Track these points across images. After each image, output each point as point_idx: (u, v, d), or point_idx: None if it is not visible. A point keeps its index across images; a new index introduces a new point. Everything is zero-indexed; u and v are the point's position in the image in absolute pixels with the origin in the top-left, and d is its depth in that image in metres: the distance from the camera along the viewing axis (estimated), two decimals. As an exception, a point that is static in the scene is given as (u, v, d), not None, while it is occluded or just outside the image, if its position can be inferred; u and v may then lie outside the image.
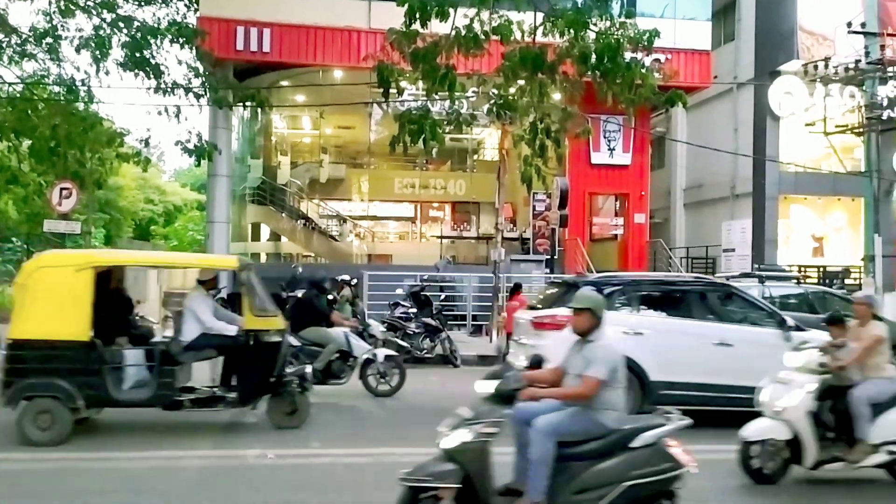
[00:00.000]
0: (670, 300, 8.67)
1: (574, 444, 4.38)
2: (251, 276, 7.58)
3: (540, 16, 10.18)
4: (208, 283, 7.99)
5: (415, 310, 13.49)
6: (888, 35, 18.66)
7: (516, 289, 13.24)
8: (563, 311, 7.84)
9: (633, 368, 7.45)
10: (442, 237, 25.22)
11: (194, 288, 7.91)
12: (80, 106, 16.08)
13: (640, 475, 4.23)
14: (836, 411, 6.12)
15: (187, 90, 15.67)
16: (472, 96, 12.42)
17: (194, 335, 7.38)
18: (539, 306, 8.94)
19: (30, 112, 15.42)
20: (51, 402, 6.54)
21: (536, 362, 4.93)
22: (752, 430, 6.01)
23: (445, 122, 11.59)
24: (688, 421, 4.48)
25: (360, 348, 9.46)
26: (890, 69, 18.16)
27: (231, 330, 7.40)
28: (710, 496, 5.61)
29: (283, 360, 7.42)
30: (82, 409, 6.75)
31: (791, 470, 6.01)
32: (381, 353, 9.80)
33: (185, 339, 7.39)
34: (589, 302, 4.69)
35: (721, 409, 7.79)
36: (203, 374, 8.07)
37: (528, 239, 21.56)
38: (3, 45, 16.63)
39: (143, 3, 17.71)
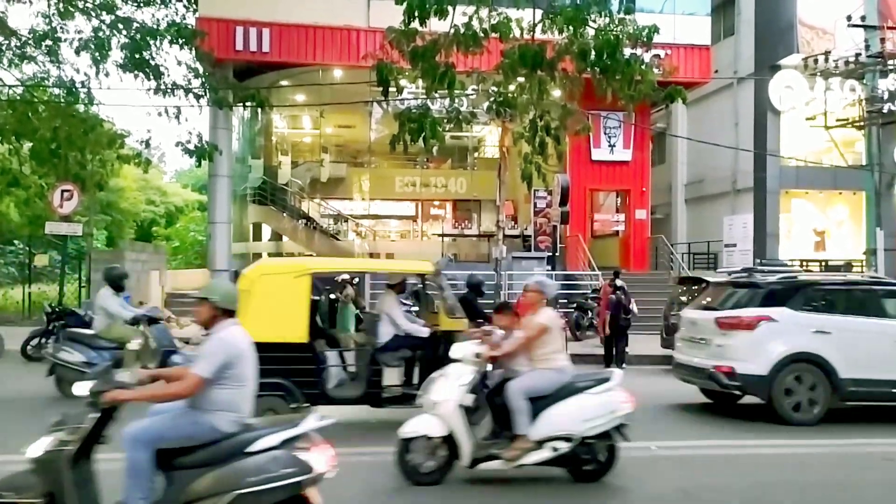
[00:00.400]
0: (850, 300, 8.92)
1: (184, 451, 3.95)
2: (444, 280, 8.14)
3: (539, 13, 10.18)
4: (397, 286, 8.44)
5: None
6: (888, 28, 18.61)
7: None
8: (750, 312, 8.42)
9: (823, 366, 8.17)
10: (443, 235, 25.20)
11: (386, 292, 8.33)
12: (81, 108, 16.12)
13: (255, 482, 3.80)
14: (497, 405, 5.79)
15: (187, 91, 15.70)
16: (472, 94, 12.40)
17: (389, 337, 7.82)
18: (714, 306, 9.14)
19: (30, 114, 15.45)
20: (275, 399, 6.93)
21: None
22: (409, 426, 5.68)
23: (445, 121, 11.58)
24: (325, 422, 4.12)
25: None
26: (890, 62, 18.11)
27: (424, 332, 7.85)
28: (354, 499, 5.30)
29: None
30: (301, 408, 7.13)
31: (456, 468, 5.69)
32: None
33: (381, 340, 7.82)
34: (208, 292, 4.26)
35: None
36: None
37: (530, 236, 21.56)
38: (3, 47, 16.66)
39: (142, 5, 17.75)
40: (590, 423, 5.66)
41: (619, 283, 12.84)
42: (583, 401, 5.75)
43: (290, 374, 7.02)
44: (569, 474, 5.86)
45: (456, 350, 5.88)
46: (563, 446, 5.65)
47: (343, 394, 7.52)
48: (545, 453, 5.64)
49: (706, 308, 9.31)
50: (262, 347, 6.69)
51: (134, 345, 8.54)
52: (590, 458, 5.80)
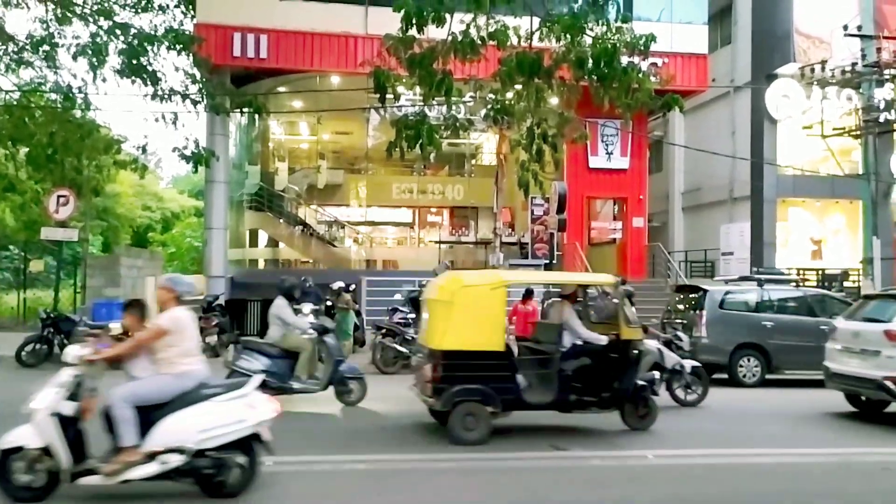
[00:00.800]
0: None
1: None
2: (625, 291, 8.50)
3: (536, 21, 10.20)
4: (571, 296, 8.69)
5: (413, 315, 13.45)
6: (884, 38, 18.70)
7: (528, 294, 13.22)
8: None
9: None
10: (440, 242, 25.17)
11: (561, 302, 8.61)
12: (78, 113, 16.11)
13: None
14: (106, 415, 5.23)
15: (184, 97, 15.71)
16: (469, 101, 12.43)
17: (570, 345, 8.13)
18: (882, 318, 9.28)
19: (27, 119, 15.45)
20: (475, 405, 7.37)
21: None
22: (10, 436, 5.06)
23: (442, 128, 11.59)
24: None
25: (671, 359, 9.86)
26: (886, 72, 18.19)
27: (602, 340, 8.12)
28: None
29: (644, 367, 8.36)
30: (499, 413, 7.51)
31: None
32: (689, 364, 10.06)
33: (564, 348, 8.11)
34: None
35: None
36: None
37: (527, 243, 21.54)
38: (1, 52, 16.64)
39: (139, 11, 17.77)
40: (207, 433, 5.18)
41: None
42: (204, 409, 5.28)
43: (488, 380, 7.42)
44: (199, 487, 5.33)
45: (66, 353, 5.42)
46: (175, 459, 5.13)
47: (535, 399, 7.81)
48: (153, 467, 5.11)
49: (870, 320, 9.47)
50: (462, 355, 7.47)
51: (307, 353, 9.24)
52: (215, 473, 5.25)
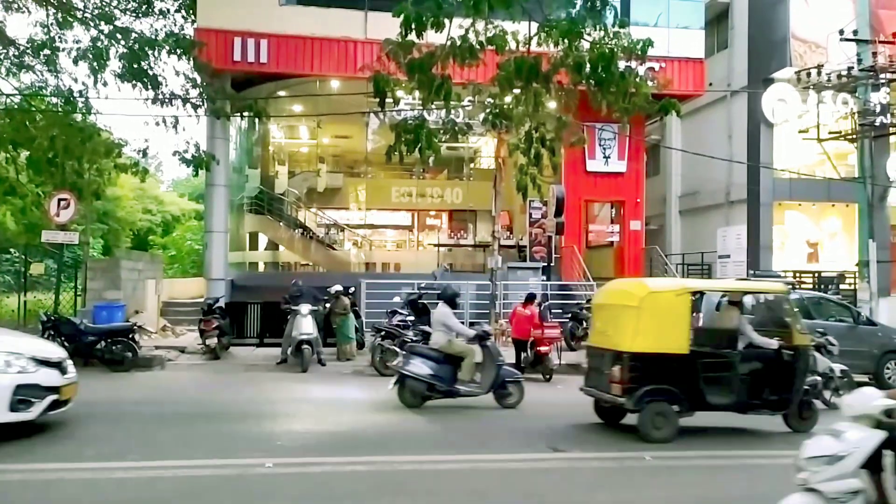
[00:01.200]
0: None
1: None
2: (797, 299, 8.97)
3: (534, 26, 10.29)
4: (739, 303, 9.11)
5: (412, 318, 13.54)
6: (880, 42, 18.83)
7: (530, 298, 13.29)
8: None
9: None
10: (439, 245, 25.27)
11: (730, 308, 9.06)
12: (78, 117, 16.18)
13: None
14: None
15: (185, 101, 15.77)
16: (468, 106, 12.50)
17: (742, 349, 8.50)
18: None
19: (28, 123, 15.49)
20: (664, 405, 7.83)
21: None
22: None
23: (441, 132, 11.67)
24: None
25: (823, 364, 10.07)
26: (882, 76, 18.32)
27: (773, 344, 8.44)
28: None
29: (809, 372, 8.73)
30: (684, 412, 7.93)
31: None
32: (838, 368, 10.29)
33: (739, 352, 8.46)
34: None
35: None
36: None
37: (525, 246, 21.63)
38: (2, 56, 16.73)
39: (140, 15, 17.85)
40: None
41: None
42: None
43: (674, 381, 7.84)
44: None
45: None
46: None
47: (716, 401, 8.13)
48: None
49: None
50: (651, 358, 7.89)
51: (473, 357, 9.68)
52: None
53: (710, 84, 21.39)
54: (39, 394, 7.25)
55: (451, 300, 10.10)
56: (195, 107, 15.90)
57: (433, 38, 9.76)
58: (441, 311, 9.87)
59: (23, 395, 7.13)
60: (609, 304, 8.80)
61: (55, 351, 7.98)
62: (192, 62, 16.49)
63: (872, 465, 3.96)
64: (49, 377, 7.40)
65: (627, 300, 8.25)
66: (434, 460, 6.91)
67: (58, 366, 7.62)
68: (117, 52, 15.71)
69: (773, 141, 20.68)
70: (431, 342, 9.86)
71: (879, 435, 3.96)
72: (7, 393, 7.04)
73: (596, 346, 8.75)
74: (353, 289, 15.36)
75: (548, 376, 12.63)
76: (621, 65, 9.99)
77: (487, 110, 11.35)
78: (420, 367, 9.37)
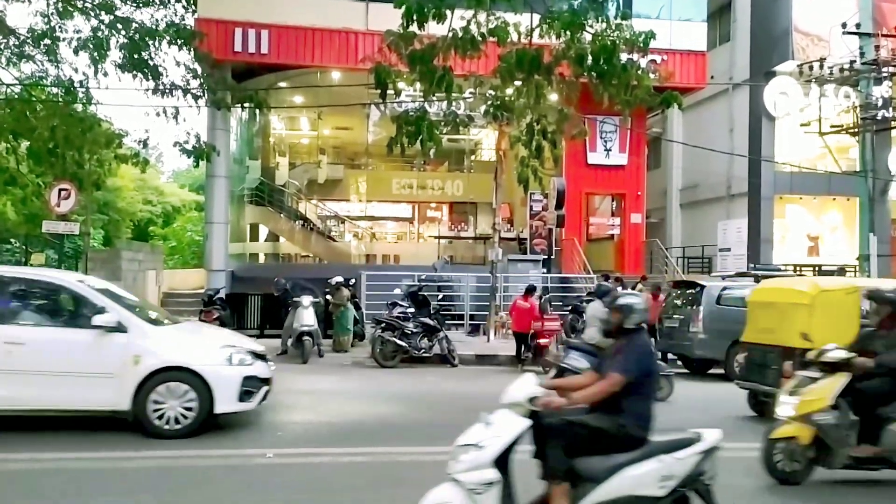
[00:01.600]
0: None
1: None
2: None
3: (536, 18, 10.28)
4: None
5: (413, 309, 13.55)
6: (882, 36, 18.80)
7: (529, 291, 13.31)
8: None
9: None
10: (439, 237, 25.27)
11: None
12: (79, 107, 16.15)
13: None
14: None
15: (186, 91, 15.76)
16: (469, 97, 12.50)
17: None
18: None
19: (28, 113, 15.46)
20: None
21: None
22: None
23: (442, 124, 11.71)
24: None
25: None
26: (884, 69, 18.29)
27: None
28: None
29: None
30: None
31: None
32: None
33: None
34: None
35: None
36: None
37: (526, 239, 21.64)
38: (2, 46, 16.69)
39: (141, 5, 17.78)
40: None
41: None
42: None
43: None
44: None
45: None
46: None
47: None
48: None
49: None
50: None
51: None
52: None
53: (712, 77, 21.37)
54: (258, 385, 7.51)
55: (604, 296, 10.08)
56: (196, 97, 15.89)
57: (435, 29, 9.75)
58: (595, 307, 10.01)
59: (247, 387, 7.39)
60: (773, 301, 9.05)
61: (256, 344, 8.22)
62: (192, 52, 16.46)
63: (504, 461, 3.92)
64: (263, 369, 7.68)
65: (797, 298, 8.49)
66: (434, 451, 6.91)
67: (264, 358, 7.87)
68: (118, 42, 15.69)
69: (775, 134, 20.67)
70: (586, 337, 9.99)
71: (523, 423, 3.98)
72: (236, 384, 7.31)
73: (759, 342, 8.99)
74: (353, 280, 15.37)
75: (547, 368, 12.65)
76: (623, 57, 9.98)
77: (489, 102, 11.35)
78: (579, 362, 9.35)
